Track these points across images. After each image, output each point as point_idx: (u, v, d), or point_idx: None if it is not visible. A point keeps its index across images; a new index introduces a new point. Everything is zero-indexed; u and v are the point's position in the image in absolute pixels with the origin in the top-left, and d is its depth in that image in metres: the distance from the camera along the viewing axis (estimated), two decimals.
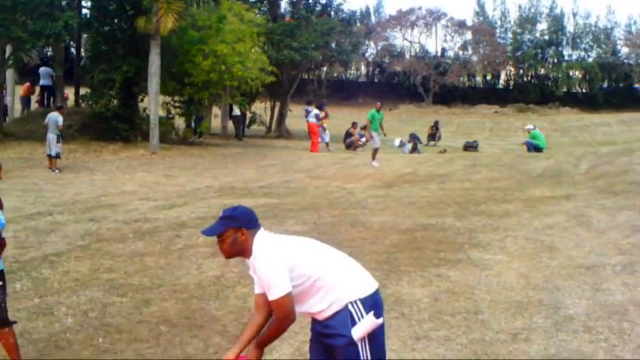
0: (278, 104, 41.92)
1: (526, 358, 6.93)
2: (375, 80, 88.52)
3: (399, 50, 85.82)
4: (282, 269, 4.57)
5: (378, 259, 10.62)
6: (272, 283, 4.56)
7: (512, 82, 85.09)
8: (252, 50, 32.83)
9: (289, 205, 15.39)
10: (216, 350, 7.14)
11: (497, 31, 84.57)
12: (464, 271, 9.99)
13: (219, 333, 7.61)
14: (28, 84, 35.21)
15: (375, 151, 24.83)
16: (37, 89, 34.90)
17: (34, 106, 35.16)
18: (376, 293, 4.92)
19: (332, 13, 45.46)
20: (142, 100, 29.89)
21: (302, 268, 4.68)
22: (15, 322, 6.60)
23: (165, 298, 8.84)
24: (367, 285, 4.88)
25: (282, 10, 44.60)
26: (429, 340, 7.40)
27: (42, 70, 34.25)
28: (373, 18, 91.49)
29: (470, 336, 7.48)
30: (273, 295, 4.57)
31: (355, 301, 4.72)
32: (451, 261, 10.52)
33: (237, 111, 37.47)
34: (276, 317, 4.72)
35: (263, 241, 4.73)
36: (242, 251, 4.75)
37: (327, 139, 31.39)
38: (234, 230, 4.68)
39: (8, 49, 27.28)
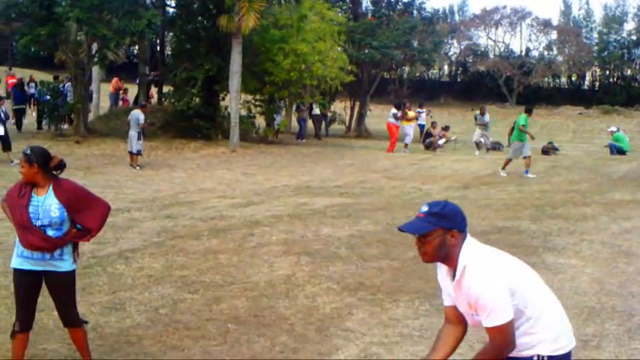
0: (358, 104, 41.81)
1: None
2: (458, 80, 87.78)
3: (482, 49, 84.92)
4: (505, 293, 3.96)
5: None
6: (495, 307, 3.94)
7: (597, 83, 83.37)
8: (333, 49, 32.83)
9: (364, 205, 15.38)
10: (282, 349, 7.18)
11: (583, 30, 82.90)
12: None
13: (286, 332, 7.64)
14: (115, 79, 35.95)
15: (528, 158, 21.33)
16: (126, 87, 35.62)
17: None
18: (569, 354, 4.23)
19: (414, 11, 45.10)
20: (224, 99, 30.22)
21: (522, 296, 4.06)
22: (87, 322, 6.72)
23: (236, 296, 8.92)
24: (567, 340, 4.24)
25: (364, 8, 44.43)
26: None
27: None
28: (457, 17, 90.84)
29: None
30: (494, 321, 3.94)
31: (544, 358, 4.10)
32: None
33: (317, 110, 37.51)
34: (495, 344, 4.06)
35: (478, 253, 4.16)
36: (446, 257, 4.19)
37: (408, 140, 31.06)
38: (444, 231, 4.11)
39: (94, 47, 27.92)
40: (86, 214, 6.24)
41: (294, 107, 36.15)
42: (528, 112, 22.13)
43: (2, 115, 21.22)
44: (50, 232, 6.08)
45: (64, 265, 6.24)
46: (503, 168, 21.34)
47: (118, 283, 9.41)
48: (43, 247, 6.08)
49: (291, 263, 10.45)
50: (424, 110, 36.24)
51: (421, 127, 35.62)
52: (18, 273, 6.17)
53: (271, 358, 6.99)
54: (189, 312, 8.31)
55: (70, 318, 6.40)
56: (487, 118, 31.70)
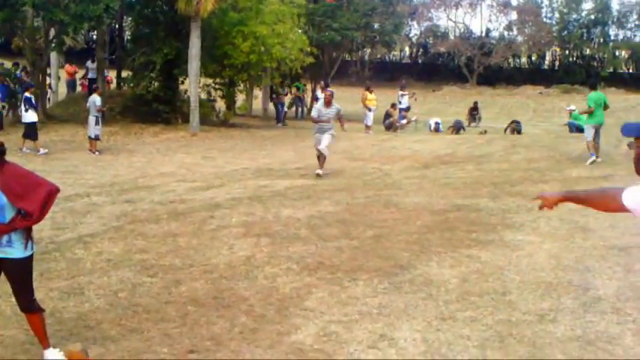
0: (319, 86, 41.77)
1: (551, 339, 6.88)
2: (419, 61, 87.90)
3: (443, 31, 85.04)
4: None
5: (409, 239, 10.63)
6: None
7: (557, 63, 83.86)
8: (292, 31, 32.75)
9: (324, 186, 15.45)
10: (241, 330, 7.19)
11: (544, 10, 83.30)
12: (495, 251, 9.96)
13: (245, 313, 7.66)
14: (67, 65, 35.58)
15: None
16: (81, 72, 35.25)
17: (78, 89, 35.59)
18: None
19: None
20: (183, 83, 30.05)
21: None
22: (42, 310, 6.66)
23: (195, 279, 8.92)
24: None
25: None
26: (455, 320, 7.39)
27: (89, 64, 34.46)
28: None
29: (496, 317, 7.46)
30: None
31: None
32: (482, 242, 10.48)
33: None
34: None
35: None
36: None
37: (369, 122, 31.10)
38: None
39: (52, 33, 27.59)
40: (28, 198, 6.09)
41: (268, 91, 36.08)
42: (594, 87, 21.51)
43: (34, 102, 21.19)
44: None
45: (15, 252, 6.15)
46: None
47: (76, 268, 9.36)
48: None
49: (250, 245, 10.46)
50: (406, 93, 35.94)
51: (402, 110, 34.94)
52: None
53: (230, 339, 7.00)
54: (148, 295, 8.29)
55: (26, 304, 6.34)
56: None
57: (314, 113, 17.79)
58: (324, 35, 37.68)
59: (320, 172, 16.98)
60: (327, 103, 17.38)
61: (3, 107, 25.64)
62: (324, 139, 17.10)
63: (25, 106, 21.09)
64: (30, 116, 20.96)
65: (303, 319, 7.50)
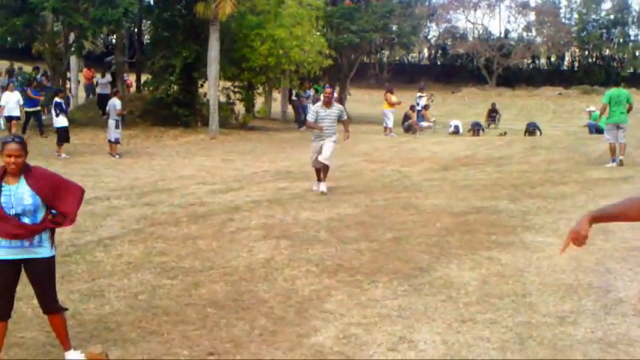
0: (338, 88, 41.81)
1: (572, 342, 6.84)
2: (438, 63, 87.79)
3: (461, 32, 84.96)
4: None
5: (428, 242, 10.60)
6: None
7: (576, 64, 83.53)
8: (311, 34, 32.79)
9: (344, 189, 15.44)
10: (261, 332, 7.19)
11: (562, 11, 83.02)
12: (515, 253, 9.91)
13: (265, 315, 7.65)
14: (85, 70, 35.74)
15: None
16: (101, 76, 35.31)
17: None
18: None
19: None
20: (202, 86, 30.14)
21: None
22: (65, 309, 6.72)
23: (215, 281, 8.93)
24: None
25: None
26: (475, 322, 7.35)
27: (99, 79, 34.12)
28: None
29: (516, 319, 7.42)
30: None
31: None
32: (502, 244, 10.43)
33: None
34: None
35: None
36: None
37: (389, 124, 30.99)
38: None
39: (72, 37, 27.79)
40: (61, 199, 6.24)
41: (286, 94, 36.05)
42: (617, 84, 20.49)
43: (64, 106, 21.32)
44: (25, 220, 6.08)
45: (44, 251, 6.25)
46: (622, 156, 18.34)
47: (97, 271, 9.40)
48: (19, 234, 6.07)
49: (270, 247, 10.47)
50: (424, 95, 35.77)
51: (420, 111, 34.69)
52: (1, 264, 6.12)
53: (250, 341, 7.00)
54: (168, 297, 8.31)
55: (50, 304, 6.40)
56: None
57: (310, 117, 15.20)
58: (342, 37, 37.69)
59: (324, 188, 14.81)
60: (327, 103, 15.00)
61: (39, 112, 25.75)
62: (325, 147, 14.68)
63: (55, 111, 21.21)
64: (61, 121, 21.09)
65: (323, 321, 7.50)
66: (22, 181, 6.14)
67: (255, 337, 7.11)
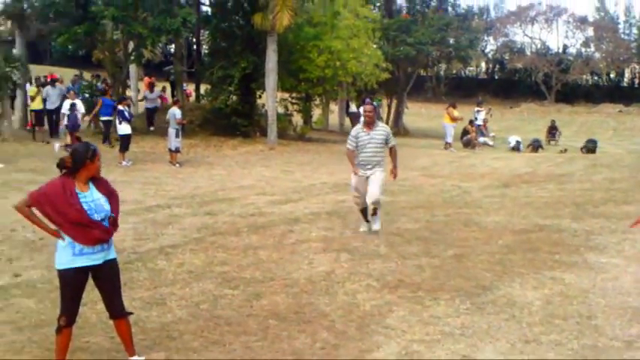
0: (395, 101, 41.72)
1: None
2: (495, 77, 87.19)
3: (519, 46, 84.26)
4: None
5: (490, 259, 10.47)
6: None
7: (637, 80, 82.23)
8: (367, 46, 32.77)
9: (402, 203, 15.35)
10: (323, 346, 7.17)
11: (621, 26, 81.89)
12: (579, 274, 9.74)
13: (326, 328, 7.63)
14: (146, 78, 36.13)
15: None
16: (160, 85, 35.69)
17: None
18: None
19: (449, 8, 45.01)
20: (260, 97, 30.29)
21: None
22: (131, 313, 6.78)
23: (276, 292, 8.94)
24: None
25: (398, 5, 44.49)
26: (539, 343, 7.23)
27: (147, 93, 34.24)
28: (493, 13, 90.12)
29: (581, 341, 7.28)
30: None
31: None
32: (566, 263, 10.27)
33: (353, 107, 37.39)
34: None
35: None
36: None
37: (449, 139, 30.72)
38: None
39: (131, 46, 28.18)
40: (111, 204, 6.46)
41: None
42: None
43: (127, 114, 21.61)
44: (105, 224, 6.28)
45: (112, 252, 6.48)
46: None
47: (158, 279, 9.48)
48: (106, 239, 6.30)
49: (330, 260, 10.45)
50: (482, 109, 35.43)
51: (478, 127, 34.47)
52: (74, 272, 6.20)
53: (312, 355, 6.97)
54: (229, 308, 8.34)
55: (119, 308, 6.50)
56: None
57: (349, 143, 12.05)
58: (399, 50, 37.58)
59: (378, 226, 12.28)
60: (369, 124, 11.95)
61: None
62: (372, 182, 11.83)
63: (119, 118, 21.49)
64: (124, 129, 21.36)
65: (385, 337, 7.44)
66: (92, 187, 6.26)
67: (317, 350, 7.09)
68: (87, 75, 35.01)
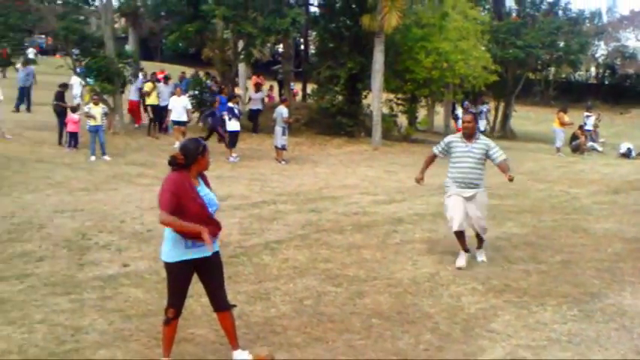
0: (502, 104, 41.14)
1: None
2: (605, 82, 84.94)
3: (631, 52, 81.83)
4: None
5: (599, 267, 10.22)
6: None
7: None
8: (476, 48, 32.39)
9: (509, 207, 15.10)
10: (426, 347, 7.12)
11: None
12: None
13: (430, 330, 7.57)
14: (254, 77, 36.55)
15: None
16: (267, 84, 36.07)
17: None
18: None
19: (559, 11, 44.03)
20: (366, 97, 30.28)
21: None
22: (234, 306, 6.86)
23: (379, 292, 8.92)
24: None
25: (507, 8, 43.72)
26: None
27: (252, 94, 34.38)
28: (605, 18, 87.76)
29: None
30: None
31: None
32: None
33: (458, 111, 36.99)
34: None
35: None
36: None
37: (559, 143, 30.03)
38: None
39: (240, 45, 28.59)
40: None
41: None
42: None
43: (237, 111, 22.04)
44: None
45: (217, 244, 6.58)
46: None
47: (263, 273, 9.58)
48: (218, 233, 6.44)
49: (434, 262, 10.38)
50: (592, 114, 34.54)
51: (588, 132, 33.61)
52: (184, 264, 6.32)
53: (416, 356, 6.93)
54: (333, 305, 8.36)
55: (224, 300, 6.58)
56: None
57: (437, 147, 10.72)
58: (508, 52, 37.01)
59: (483, 257, 10.59)
60: (469, 136, 10.20)
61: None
62: (470, 207, 10.21)
63: (228, 115, 21.81)
64: (233, 125, 21.68)
65: (490, 341, 7.34)
66: (201, 182, 6.37)
67: (421, 352, 7.04)
68: (201, 73, 35.65)
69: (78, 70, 26.18)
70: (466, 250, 10.34)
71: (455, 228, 10.19)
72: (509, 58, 37.13)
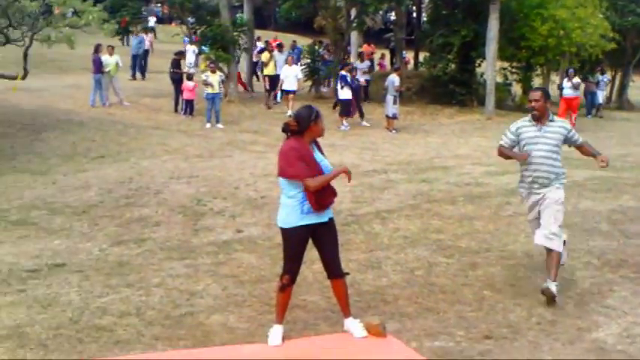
0: (620, 74, 39.83)
1: None
2: None
3: None
4: None
5: None
6: None
7: None
8: (593, 16, 31.39)
9: (626, 180, 14.66)
10: (539, 321, 7.05)
11: None
12: None
13: (543, 304, 7.45)
14: (365, 45, 36.42)
15: None
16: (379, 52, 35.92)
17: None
18: None
19: None
20: (479, 65, 29.83)
21: None
22: (348, 274, 6.92)
23: (492, 264, 8.87)
24: None
25: None
26: None
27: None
28: None
29: None
30: None
31: None
32: None
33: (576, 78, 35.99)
34: None
35: None
36: None
37: None
38: None
39: (353, 13, 28.55)
40: None
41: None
42: None
43: (349, 79, 22.12)
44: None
45: (331, 210, 6.64)
46: None
47: (374, 242, 9.65)
48: (333, 201, 6.55)
49: None
50: None
51: None
52: (301, 230, 6.43)
53: (528, 329, 6.86)
54: (444, 276, 8.36)
55: (337, 268, 6.64)
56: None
57: (504, 138, 8.16)
58: (627, 20, 35.77)
59: (553, 287, 7.43)
60: (538, 117, 7.86)
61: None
62: (546, 211, 7.79)
63: (340, 83, 21.89)
64: (345, 93, 21.76)
65: (605, 317, 7.20)
66: (315, 149, 6.45)
67: (533, 325, 6.97)
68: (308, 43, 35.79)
69: (185, 39, 26.70)
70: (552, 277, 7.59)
71: (540, 244, 7.92)
72: (628, 26, 35.85)
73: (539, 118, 7.83)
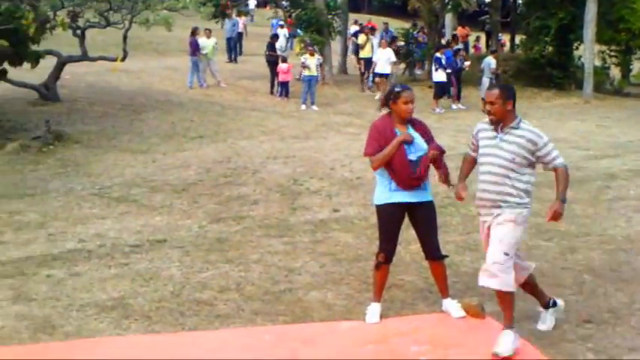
0: None
1: None
2: None
3: None
4: None
5: None
6: None
7: None
8: None
9: None
10: None
11: None
12: None
13: None
14: (459, 28, 36.05)
15: None
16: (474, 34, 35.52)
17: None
18: None
19: None
20: (577, 48, 29.21)
21: None
22: (446, 256, 6.94)
23: (591, 248, 8.75)
24: None
25: None
26: None
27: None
28: None
29: None
30: None
31: None
32: None
33: None
34: None
35: None
36: None
37: None
38: None
39: None
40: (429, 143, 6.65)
41: None
42: None
43: (443, 61, 22.05)
44: (414, 170, 6.46)
45: (429, 194, 6.68)
46: None
47: (471, 225, 9.59)
48: (414, 185, 6.50)
49: None
50: None
51: None
52: (390, 207, 6.49)
53: (630, 315, 6.75)
54: (543, 259, 8.29)
55: (435, 250, 6.69)
56: None
57: (470, 145, 6.90)
58: None
59: (544, 326, 6.48)
60: (496, 121, 6.25)
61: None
62: (492, 236, 6.20)
63: (435, 65, 21.77)
64: (439, 76, 21.63)
65: None
66: (410, 128, 6.46)
67: (635, 311, 6.88)
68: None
69: (275, 22, 26.88)
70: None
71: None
72: None
73: (497, 123, 6.22)
